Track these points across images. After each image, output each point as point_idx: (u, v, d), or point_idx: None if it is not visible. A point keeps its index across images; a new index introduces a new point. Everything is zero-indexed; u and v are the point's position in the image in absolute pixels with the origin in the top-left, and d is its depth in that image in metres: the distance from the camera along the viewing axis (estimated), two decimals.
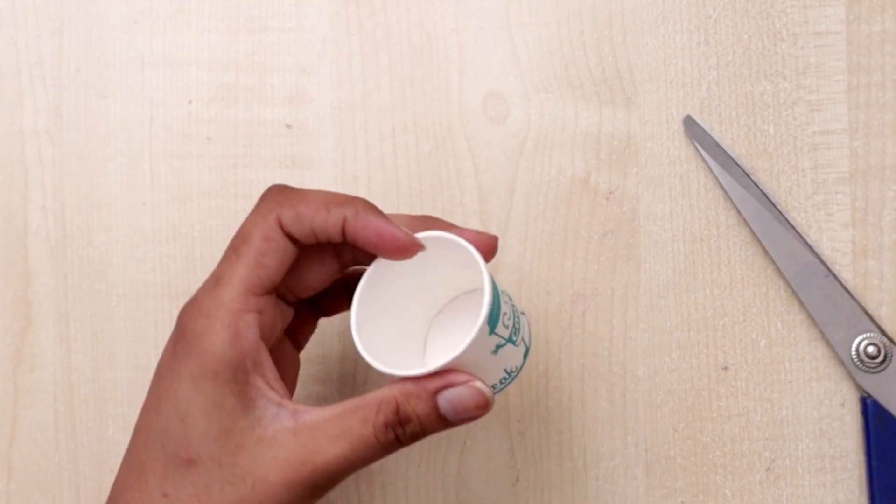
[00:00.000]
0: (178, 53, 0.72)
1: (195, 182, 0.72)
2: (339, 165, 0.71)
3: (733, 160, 0.62)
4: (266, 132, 0.72)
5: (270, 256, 0.57)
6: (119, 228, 0.72)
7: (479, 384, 0.56)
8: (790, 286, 0.61)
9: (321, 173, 0.71)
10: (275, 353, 0.60)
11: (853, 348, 0.60)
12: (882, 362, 0.60)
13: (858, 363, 0.60)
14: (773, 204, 0.63)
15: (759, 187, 0.62)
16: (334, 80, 0.72)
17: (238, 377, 0.55)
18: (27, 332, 0.72)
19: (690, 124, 0.61)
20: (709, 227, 0.71)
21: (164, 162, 0.72)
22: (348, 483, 0.71)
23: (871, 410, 0.62)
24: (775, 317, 0.70)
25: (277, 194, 0.58)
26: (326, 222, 0.57)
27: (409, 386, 0.56)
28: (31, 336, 0.72)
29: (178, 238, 0.72)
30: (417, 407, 0.56)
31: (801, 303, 0.60)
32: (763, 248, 0.67)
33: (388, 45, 0.72)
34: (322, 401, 0.71)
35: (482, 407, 0.56)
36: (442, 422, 0.56)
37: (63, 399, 0.71)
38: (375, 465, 0.70)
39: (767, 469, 0.70)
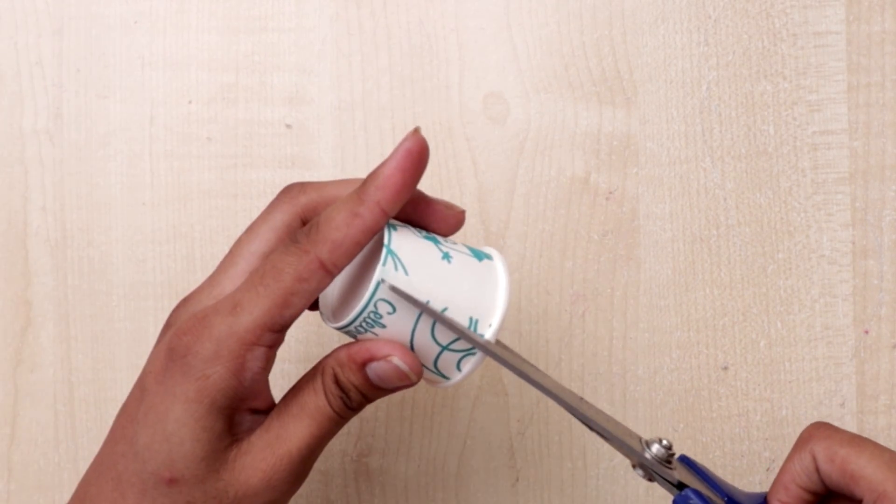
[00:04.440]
0: (178, 53, 0.72)
1: (195, 182, 0.72)
2: (338, 166, 0.71)
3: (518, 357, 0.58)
4: (266, 132, 0.72)
5: (301, 297, 0.53)
6: (119, 228, 0.72)
7: (396, 360, 0.55)
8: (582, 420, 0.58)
9: (321, 173, 0.71)
10: None
11: (648, 454, 0.59)
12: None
13: (662, 463, 0.59)
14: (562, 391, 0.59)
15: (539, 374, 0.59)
16: (334, 80, 0.72)
17: (233, 404, 0.54)
18: (27, 332, 0.72)
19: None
20: (709, 227, 0.71)
21: (164, 162, 0.72)
22: (348, 483, 0.71)
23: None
24: (775, 317, 0.70)
25: (314, 233, 0.54)
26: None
27: (342, 355, 0.55)
28: (31, 336, 0.72)
29: (178, 238, 0.72)
30: (351, 377, 0.55)
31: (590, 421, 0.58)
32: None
33: (388, 45, 0.72)
34: None
35: (404, 379, 0.55)
36: (379, 389, 0.56)
37: (63, 399, 0.71)
38: (375, 465, 0.70)
39: (767, 469, 0.70)
